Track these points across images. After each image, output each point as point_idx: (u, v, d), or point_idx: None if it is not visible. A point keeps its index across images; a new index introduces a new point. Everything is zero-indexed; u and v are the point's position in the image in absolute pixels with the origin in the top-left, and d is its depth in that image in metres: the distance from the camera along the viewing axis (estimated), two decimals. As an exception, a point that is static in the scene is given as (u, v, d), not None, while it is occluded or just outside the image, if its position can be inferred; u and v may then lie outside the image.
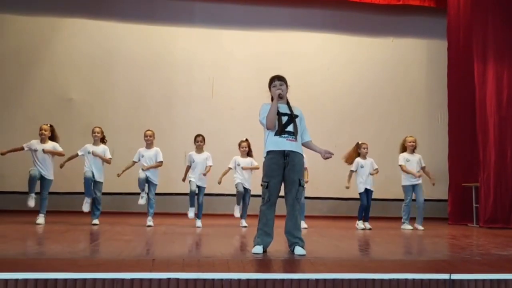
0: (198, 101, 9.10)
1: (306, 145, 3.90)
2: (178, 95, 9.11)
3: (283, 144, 3.65)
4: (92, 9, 9.06)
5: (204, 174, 6.30)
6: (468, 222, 7.84)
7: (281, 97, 3.71)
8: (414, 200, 6.74)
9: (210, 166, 6.38)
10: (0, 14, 8.81)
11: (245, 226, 6.27)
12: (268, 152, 3.71)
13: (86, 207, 6.07)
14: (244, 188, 6.47)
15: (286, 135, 3.67)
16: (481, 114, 7.62)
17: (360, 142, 6.82)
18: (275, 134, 3.68)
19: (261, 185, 3.69)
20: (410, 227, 6.61)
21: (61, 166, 6.26)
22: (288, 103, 3.82)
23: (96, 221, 6.09)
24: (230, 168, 6.57)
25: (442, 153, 8.54)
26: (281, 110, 3.73)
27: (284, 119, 3.71)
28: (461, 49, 8.29)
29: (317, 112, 8.77)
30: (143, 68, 9.07)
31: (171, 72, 9.13)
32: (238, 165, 6.52)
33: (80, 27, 9.03)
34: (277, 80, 3.77)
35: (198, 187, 6.32)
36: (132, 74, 9.04)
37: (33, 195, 5.95)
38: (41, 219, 5.99)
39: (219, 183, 6.48)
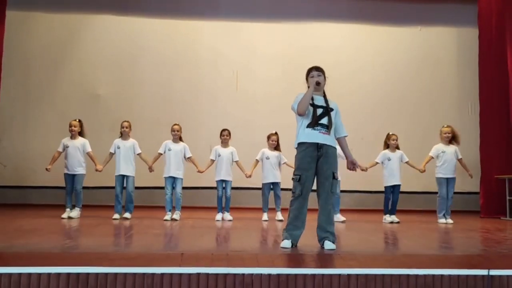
0: (223, 95, 9.09)
1: (339, 140, 3.79)
2: (203, 89, 9.12)
3: (316, 136, 3.55)
4: (118, 5, 9.16)
5: (250, 176, 6.37)
6: (501, 215, 7.60)
7: (318, 84, 3.62)
8: None
9: (237, 161, 6.45)
10: (30, 11, 8.99)
11: (281, 220, 6.12)
12: (300, 144, 3.60)
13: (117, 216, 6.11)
14: (273, 183, 6.41)
15: (319, 128, 3.57)
16: (515, 103, 7.36)
17: (390, 133, 6.63)
18: (308, 126, 3.57)
19: (293, 178, 3.58)
20: (446, 221, 6.41)
21: (100, 170, 6.25)
22: (324, 96, 3.73)
23: (127, 215, 6.14)
24: (257, 161, 6.50)
25: (473, 144, 8.26)
26: (317, 102, 3.64)
27: (319, 111, 3.60)
28: (493, 36, 7.99)
29: (344, 104, 8.50)
30: (169, 63, 9.11)
31: (196, 66, 9.14)
32: (267, 158, 6.44)
33: (106, 23, 9.14)
34: (315, 71, 3.71)
35: (224, 181, 6.35)
36: (158, 69, 9.10)
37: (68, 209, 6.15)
38: (75, 212, 6.10)
39: (250, 176, 6.42)
